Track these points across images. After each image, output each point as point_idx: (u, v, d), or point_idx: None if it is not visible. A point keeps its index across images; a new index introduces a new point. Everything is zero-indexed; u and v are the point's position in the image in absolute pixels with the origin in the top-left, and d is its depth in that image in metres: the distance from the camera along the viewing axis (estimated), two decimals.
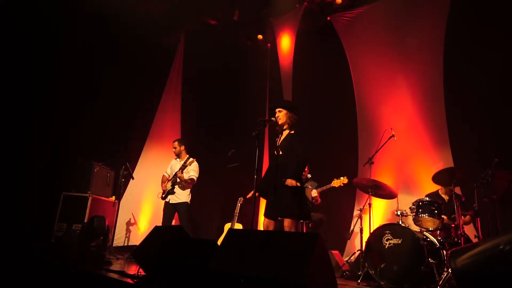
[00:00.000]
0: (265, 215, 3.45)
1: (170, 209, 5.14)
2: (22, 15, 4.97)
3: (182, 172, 5.14)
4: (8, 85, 4.97)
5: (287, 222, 3.29)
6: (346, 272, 4.57)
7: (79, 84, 5.74)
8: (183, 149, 5.41)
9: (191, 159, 5.27)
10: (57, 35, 5.39)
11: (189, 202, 5.21)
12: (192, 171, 5.23)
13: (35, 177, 5.25)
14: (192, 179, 5.19)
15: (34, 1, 5.01)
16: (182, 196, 5.16)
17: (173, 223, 5.37)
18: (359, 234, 4.70)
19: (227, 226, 5.72)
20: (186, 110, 7.53)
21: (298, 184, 3.33)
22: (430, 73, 5.38)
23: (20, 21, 4.97)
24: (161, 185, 5.34)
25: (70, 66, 5.58)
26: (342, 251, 5.41)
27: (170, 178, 5.28)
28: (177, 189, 5.18)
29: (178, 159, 5.41)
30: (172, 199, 5.16)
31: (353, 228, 5.15)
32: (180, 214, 5.15)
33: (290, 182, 3.29)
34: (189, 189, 5.25)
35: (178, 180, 5.15)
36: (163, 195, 5.22)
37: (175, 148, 5.42)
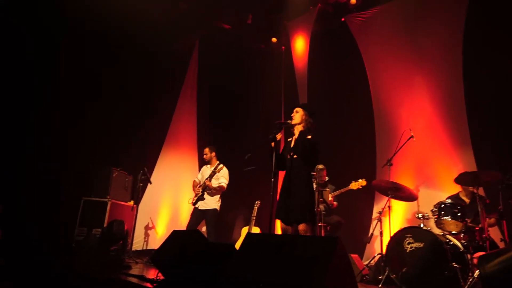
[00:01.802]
0: (282, 220, 3.42)
1: (198, 215, 5.11)
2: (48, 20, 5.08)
3: (210, 180, 5.12)
4: (24, 98, 5.10)
5: (302, 226, 3.26)
6: (366, 276, 4.48)
7: (97, 92, 5.85)
8: (213, 155, 5.38)
9: (220, 165, 5.25)
10: (74, 46, 5.52)
11: (218, 209, 5.15)
12: (222, 177, 5.19)
13: (57, 182, 5.36)
14: (221, 186, 5.14)
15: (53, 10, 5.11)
16: (211, 202, 5.12)
17: (204, 229, 5.36)
18: (378, 237, 4.61)
19: (245, 230, 5.70)
20: (201, 114, 7.59)
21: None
22: (450, 72, 5.25)
23: (46, 22, 5.06)
24: (193, 189, 5.34)
25: (91, 75, 5.70)
26: (361, 255, 5.31)
27: (200, 184, 5.28)
28: (206, 196, 5.14)
29: (208, 165, 5.40)
30: (201, 205, 5.12)
31: (373, 231, 5.06)
32: (207, 221, 5.13)
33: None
34: (218, 196, 5.18)
35: (207, 187, 5.14)
36: (193, 201, 5.22)
37: (206, 154, 5.39)
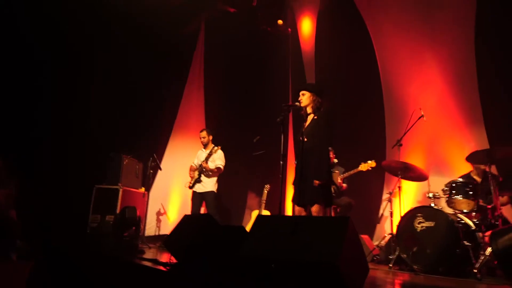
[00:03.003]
0: (295, 202, 3.44)
1: (197, 198, 5.24)
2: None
3: (207, 162, 5.20)
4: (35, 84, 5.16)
5: (315, 208, 3.27)
6: (377, 256, 4.51)
7: (105, 79, 5.85)
8: (211, 138, 5.46)
9: (215, 147, 5.31)
10: (84, 32, 5.53)
11: (215, 191, 5.26)
12: (218, 159, 5.27)
13: (69, 171, 5.44)
14: (218, 168, 5.24)
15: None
16: (208, 185, 5.22)
17: (202, 211, 5.46)
18: (389, 218, 4.61)
19: (255, 213, 5.75)
20: (209, 99, 7.57)
21: (323, 181, 3.29)
22: (462, 47, 5.11)
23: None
24: (189, 174, 5.42)
25: (98, 61, 5.71)
26: (371, 235, 5.34)
27: (196, 168, 5.36)
28: (203, 178, 5.25)
29: (204, 149, 5.47)
30: (199, 188, 5.23)
31: (383, 212, 5.06)
32: (207, 203, 5.23)
33: (316, 183, 3.27)
34: (215, 178, 5.30)
35: (204, 169, 5.22)
36: (191, 185, 5.30)
37: (204, 137, 5.47)
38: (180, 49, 7.17)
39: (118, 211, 5.26)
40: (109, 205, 5.33)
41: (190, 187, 5.31)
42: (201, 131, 5.59)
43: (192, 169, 5.45)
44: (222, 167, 5.28)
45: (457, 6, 5.21)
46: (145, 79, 6.47)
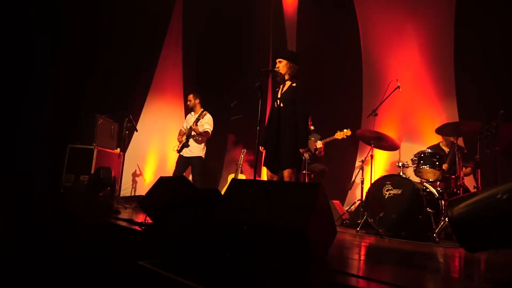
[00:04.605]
0: (268, 168, 3.51)
1: (183, 162, 5.17)
2: None
3: (196, 125, 5.12)
4: (10, 42, 4.87)
5: (286, 173, 3.36)
6: (346, 221, 4.73)
7: (81, 39, 5.58)
8: (197, 102, 5.34)
9: (204, 112, 5.22)
10: None
11: (203, 157, 5.20)
12: (206, 124, 5.18)
13: (41, 130, 5.29)
14: (206, 132, 5.15)
15: None
16: (196, 150, 5.15)
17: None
18: (360, 184, 4.80)
19: (231, 177, 5.84)
20: (187, 61, 7.37)
21: (305, 149, 3.40)
22: (441, 25, 5.16)
23: None
24: (178, 138, 5.36)
25: (72, 20, 5.40)
26: (343, 201, 5.56)
27: (185, 132, 5.27)
28: (191, 142, 5.16)
29: (193, 113, 5.37)
30: (186, 152, 5.16)
31: (355, 178, 5.24)
32: (192, 168, 5.19)
33: (303, 151, 3.40)
34: (203, 143, 5.21)
35: (192, 133, 5.14)
36: (178, 149, 5.24)
37: (189, 101, 5.35)
38: (158, 10, 6.85)
39: (92, 171, 5.21)
40: (84, 165, 5.28)
41: (178, 151, 5.25)
42: (189, 95, 5.46)
43: (181, 133, 5.36)
44: (209, 131, 5.19)
45: None
46: (121, 38, 6.20)
